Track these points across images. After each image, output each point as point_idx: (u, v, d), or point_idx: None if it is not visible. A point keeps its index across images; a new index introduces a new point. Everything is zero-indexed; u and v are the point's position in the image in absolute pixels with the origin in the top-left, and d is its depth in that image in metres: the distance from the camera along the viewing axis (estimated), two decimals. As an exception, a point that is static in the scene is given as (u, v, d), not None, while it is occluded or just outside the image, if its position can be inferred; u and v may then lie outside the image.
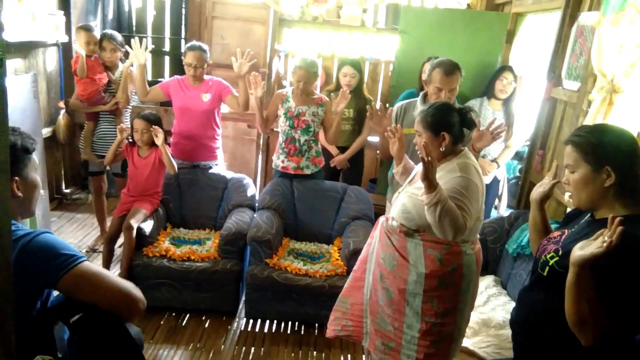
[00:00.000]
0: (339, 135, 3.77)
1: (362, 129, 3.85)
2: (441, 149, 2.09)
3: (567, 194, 2.73)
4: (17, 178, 1.45)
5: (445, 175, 2.03)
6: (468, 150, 2.20)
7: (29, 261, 1.32)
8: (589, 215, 1.59)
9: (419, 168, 2.16)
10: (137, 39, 3.33)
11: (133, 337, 1.44)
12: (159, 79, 4.95)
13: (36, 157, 1.55)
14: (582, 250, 1.32)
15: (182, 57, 3.40)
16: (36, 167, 1.55)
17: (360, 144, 3.86)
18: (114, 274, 3.19)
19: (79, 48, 3.52)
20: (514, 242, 3.03)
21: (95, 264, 1.44)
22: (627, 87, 2.42)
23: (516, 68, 3.84)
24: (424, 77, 3.72)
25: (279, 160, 3.49)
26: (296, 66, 3.25)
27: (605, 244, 1.26)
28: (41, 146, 3.52)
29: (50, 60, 4.32)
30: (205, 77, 3.48)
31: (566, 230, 1.62)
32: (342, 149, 3.84)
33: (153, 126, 3.13)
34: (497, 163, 3.72)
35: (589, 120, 2.59)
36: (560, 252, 1.51)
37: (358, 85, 3.78)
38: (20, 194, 1.46)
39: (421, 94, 2.82)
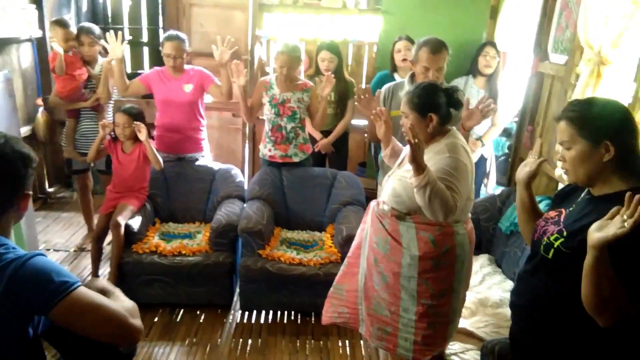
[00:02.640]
0: None
1: (344, 112, 3.79)
2: (428, 130, 2.07)
3: (557, 170, 2.72)
4: (30, 192, 1.39)
5: (433, 157, 2.02)
6: (457, 130, 2.17)
7: (20, 288, 1.23)
8: (585, 192, 1.56)
9: (407, 150, 2.13)
10: (112, 32, 3.22)
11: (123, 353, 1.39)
12: (139, 71, 4.85)
13: None
14: (600, 231, 1.25)
15: (160, 48, 3.30)
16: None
17: (344, 127, 3.80)
18: (106, 276, 3.16)
19: (56, 45, 3.39)
20: (507, 219, 3.03)
21: (88, 291, 1.32)
22: (615, 58, 2.40)
23: (501, 44, 3.80)
24: (397, 57, 3.69)
25: (266, 149, 3.43)
26: (278, 52, 3.18)
27: (628, 224, 1.20)
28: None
29: (24, 56, 4.19)
30: (186, 67, 3.39)
31: (563, 210, 1.58)
32: (326, 133, 3.78)
33: (135, 122, 3.04)
34: (482, 141, 3.70)
35: (577, 93, 2.57)
36: (564, 233, 1.47)
37: (338, 69, 3.70)
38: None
39: (409, 75, 2.77)
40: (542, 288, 1.56)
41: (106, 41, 3.25)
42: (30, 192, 1.40)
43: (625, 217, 1.22)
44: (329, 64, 3.65)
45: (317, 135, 3.77)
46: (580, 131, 1.45)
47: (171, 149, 3.47)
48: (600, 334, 1.39)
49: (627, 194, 1.24)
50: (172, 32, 3.32)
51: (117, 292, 1.41)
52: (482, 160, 3.82)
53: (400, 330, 2.17)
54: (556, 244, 1.48)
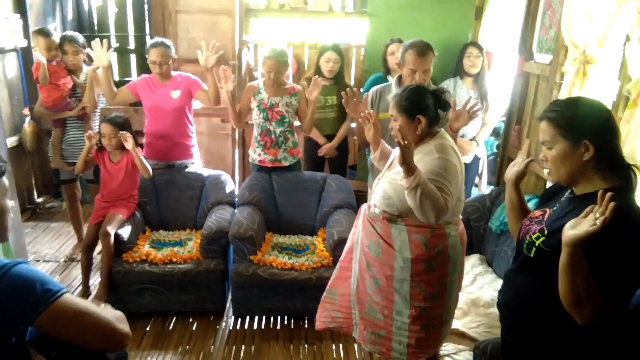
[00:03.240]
0: (324, 124, 3.72)
1: (346, 116, 3.78)
2: (417, 133, 2.07)
3: (546, 170, 2.74)
4: None
5: (423, 158, 2.02)
6: (445, 131, 2.18)
7: (2, 298, 1.21)
8: (569, 192, 1.57)
9: (396, 152, 2.13)
10: (97, 40, 3.20)
11: None
12: (127, 79, 4.82)
13: (6, 179, 1.40)
14: (574, 229, 1.28)
15: (146, 56, 3.29)
16: (5, 191, 1.40)
17: (346, 131, 3.79)
18: (96, 286, 3.13)
19: (39, 55, 3.36)
20: (497, 219, 3.04)
21: (75, 296, 1.32)
22: (600, 57, 2.42)
23: (486, 44, 3.83)
24: (391, 59, 3.69)
25: (255, 154, 3.42)
26: (265, 57, 3.18)
27: (599, 222, 1.23)
28: (6, 156, 3.39)
29: (9, 66, 4.15)
30: (173, 73, 3.38)
31: (547, 209, 1.60)
32: (329, 138, 3.78)
33: (121, 131, 3.02)
34: (476, 141, 3.72)
35: (564, 93, 2.59)
36: (545, 232, 1.49)
37: (340, 72, 3.69)
38: None
39: (396, 77, 2.78)
40: (525, 287, 1.58)
41: (91, 49, 3.23)
42: None
43: (597, 215, 1.24)
44: (334, 65, 3.62)
45: (320, 139, 3.75)
46: (560, 131, 1.47)
47: (160, 156, 3.45)
48: (582, 332, 1.40)
49: (599, 192, 1.27)
50: (157, 39, 3.31)
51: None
52: (475, 160, 3.84)
53: (394, 334, 2.17)
54: (537, 242, 1.49)
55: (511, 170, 1.77)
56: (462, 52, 3.70)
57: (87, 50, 3.35)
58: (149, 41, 4.87)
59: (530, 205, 2.19)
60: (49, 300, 1.23)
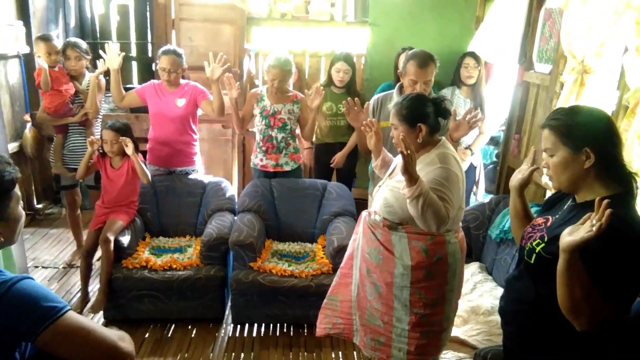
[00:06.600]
0: (336, 131, 3.76)
1: None
2: (418, 141, 2.08)
3: (544, 177, 2.75)
4: None
5: (424, 167, 2.03)
6: (446, 140, 2.19)
7: (5, 314, 1.20)
8: (571, 199, 1.58)
9: (398, 160, 2.15)
10: (110, 43, 3.26)
11: None
12: (128, 85, 4.84)
13: (17, 188, 1.39)
14: (571, 235, 1.29)
15: (157, 62, 3.32)
16: (18, 198, 1.39)
17: (356, 140, 3.82)
18: (95, 292, 3.12)
19: (41, 60, 3.38)
20: (496, 227, 3.04)
21: (76, 316, 1.30)
22: (598, 67, 2.44)
23: (484, 54, 3.85)
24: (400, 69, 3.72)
25: (257, 159, 3.44)
26: (270, 65, 3.21)
27: (595, 228, 1.24)
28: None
29: (12, 72, 4.17)
30: (182, 81, 3.40)
31: (550, 217, 1.61)
32: (340, 145, 3.80)
33: (122, 137, 3.04)
34: (471, 150, 3.74)
35: (561, 102, 2.61)
36: (546, 239, 1.50)
37: (351, 81, 3.73)
38: (1, 238, 1.33)
39: (397, 86, 2.80)
40: (525, 293, 1.59)
41: (104, 51, 3.28)
42: None
43: (594, 221, 1.25)
44: (344, 76, 3.67)
45: None
46: (561, 139, 1.48)
47: (162, 162, 3.47)
48: (583, 339, 1.41)
49: (596, 199, 1.28)
50: (169, 46, 3.34)
51: None
52: (471, 168, 3.86)
53: (394, 341, 2.17)
54: (537, 249, 1.51)
55: (516, 178, 1.78)
56: (459, 62, 3.74)
57: (90, 56, 3.37)
58: (150, 49, 4.96)
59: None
60: (52, 318, 1.21)
